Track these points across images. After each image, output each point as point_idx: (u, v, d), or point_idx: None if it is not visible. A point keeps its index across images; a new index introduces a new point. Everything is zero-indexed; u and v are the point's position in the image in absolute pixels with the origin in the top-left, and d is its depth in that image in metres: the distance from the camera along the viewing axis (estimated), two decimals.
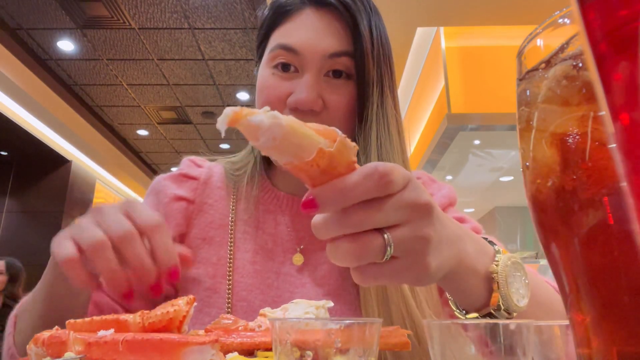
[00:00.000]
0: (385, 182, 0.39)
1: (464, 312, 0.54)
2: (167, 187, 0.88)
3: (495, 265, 0.51)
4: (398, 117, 0.81)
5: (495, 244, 0.55)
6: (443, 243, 0.45)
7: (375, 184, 0.39)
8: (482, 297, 0.51)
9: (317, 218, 0.41)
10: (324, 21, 0.77)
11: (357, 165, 0.40)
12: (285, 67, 0.77)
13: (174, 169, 0.95)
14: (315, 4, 0.78)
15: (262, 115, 0.35)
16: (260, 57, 0.84)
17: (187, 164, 0.94)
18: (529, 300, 0.53)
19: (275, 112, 0.35)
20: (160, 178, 0.92)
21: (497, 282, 0.50)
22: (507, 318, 0.50)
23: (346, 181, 0.39)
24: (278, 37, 0.79)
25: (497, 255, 0.52)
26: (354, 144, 0.39)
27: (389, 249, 0.40)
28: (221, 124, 0.35)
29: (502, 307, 0.50)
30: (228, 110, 0.35)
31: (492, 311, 0.51)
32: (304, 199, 0.39)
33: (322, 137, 0.37)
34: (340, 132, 0.38)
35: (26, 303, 0.72)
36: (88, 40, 5.10)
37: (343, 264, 0.41)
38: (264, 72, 0.80)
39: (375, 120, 0.77)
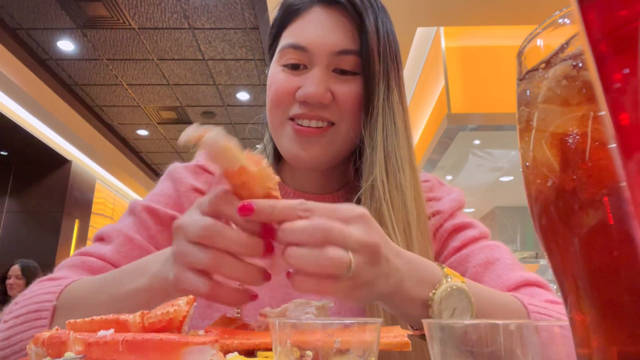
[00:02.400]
0: (304, 209, 0.51)
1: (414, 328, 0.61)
2: (185, 176, 0.89)
3: (432, 294, 0.57)
4: (405, 111, 0.82)
5: (444, 268, 0.61)
6: (373, 283, 0.54)
7: (295, 209, 0.51)
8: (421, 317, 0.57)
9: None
10: (332, 19, 0.79)
11: (277, 195, 0.52)
12: (295, 67, 0.79)
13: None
14: (323, 2, 0.80)
15: (212, 133, 0.47)
16: (271, 56, 0.86)
17: (204, 156, 0.95)
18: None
19: (219, 134, 0.47)
20: (177, 166, 0.92)
21: (432, 308, 0.57)
22: None
23: (278, 202, 0.51)
24: (288, 36, 0.81)
25: (440, 284, 0.59)
26: (276, 178, 0.52)
27: (352, 264, 0.49)
28: (185, 139, 0.47)
29: None
30: (195, 130, 0.47)
31: None
32: (241, 205, 0.51)
33: (249, 161, 0.49)
34: (265, 162, 0.50)
35: (78, 303, 0.65)
36: (88, 40, 5.11)
37: (306, 284, 0.50)
38: (274, 69, 0.82)
39: (382, 114, 0.78)
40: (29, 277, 4.37)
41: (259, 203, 0.51)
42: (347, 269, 0.49)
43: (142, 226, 0.83)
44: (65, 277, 0.72)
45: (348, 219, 0.52)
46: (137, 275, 0.62)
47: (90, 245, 0.83)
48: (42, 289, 0.68)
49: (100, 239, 0.83)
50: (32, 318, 0.65)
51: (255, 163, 0.49)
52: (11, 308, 0.68)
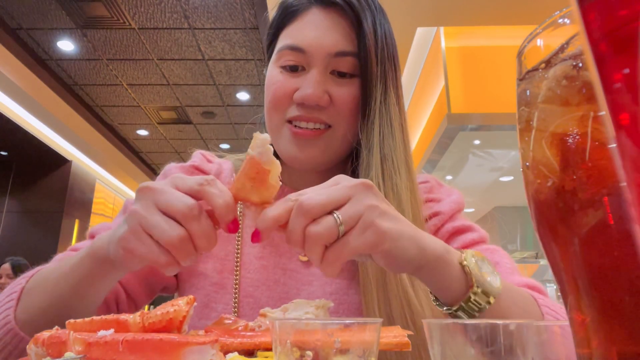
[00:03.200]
0: (295, 197, 0.53)
1: (444, 307, 0.60)
2: None
3: (464, 257, 0.59)
4: (402, 113, 0.82)
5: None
6: (396, 216, 0.55)
7: (288, 200, 0.53)
8: (460, 285, 0.58)
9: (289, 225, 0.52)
10: (330, 20, 0.79)
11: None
12: (293, 68, 0.80)
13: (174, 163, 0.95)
14: (321, 4, 0.80)
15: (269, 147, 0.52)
16: (269, 57, 0.86)
17: (200, 157, 0.95)
18: (505, 298, 0.58)
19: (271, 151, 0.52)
20: (173, 167, 0.93)
21: (469, 267, 0.57)
22: (487, 302, 0.57)
23: (270, 206, 0.53)
24: (285, 37, 0.81)
25: (462, 251, 0.60)
26: (273, 200, 0.54)
27: (341, 225, 0.51)
28: (256, 137, 0.52)
29: (480, 289, 0.57)
30: (267, 138, 0.52)
31: (472, 296, 0.57)
32: (252, 236, 0.54)
33: (275, 175, 0.53)
34: (280, 184, 0.54)
35: (40, 282, 0.69)
36: (88, 40, 5.10)
37: (314, 253, 0.52)
38: (272, 71, 0.82)
39: (378, 116, 0.78)
40: (20, 274, 4.36)
41: (261, 226, 0.53)
42: (336, 224, 0.51)
43: None
44: None
45: (333, 183, 0.55)
46: (84, 249, 0.64)
47: (82, 242, 0.84)
48: (21, 277, 0.72)
49: (91, 236, 0.84)
50: (6, 301, 0.68)
51: (277, 180, 0.53)
52: None
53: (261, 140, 0.51)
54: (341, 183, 0.55)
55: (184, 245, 0.52)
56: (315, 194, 0.52)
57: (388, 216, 0.54)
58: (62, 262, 0.68)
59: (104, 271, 0.62)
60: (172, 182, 0.55)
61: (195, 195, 0.53)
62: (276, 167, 0.52)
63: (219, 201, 0.52)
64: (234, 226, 0.54)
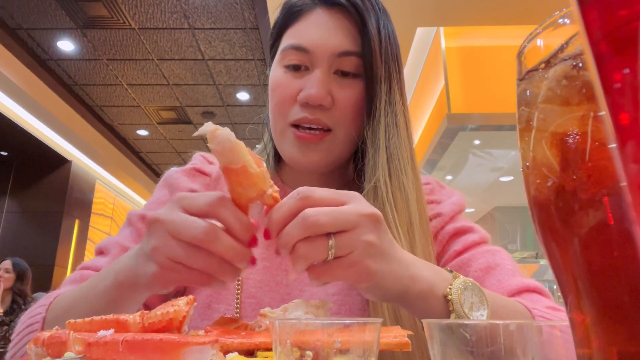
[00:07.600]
0: (303, 196, 0.52)
1: None
2: (181, 181, 0.89)
3: (449, 288, 0.58)
4: (406, 112, 0.82)
5: (452, 271, 0.62)
6: (390, 256, 0.55)
7: (295, 200, 0.52)
8: (443, 316, 0.57)
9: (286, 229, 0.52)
10: (334, 20, 0.79)
11: (273, 196, 0.53)
12: (296, 67, 0.79)
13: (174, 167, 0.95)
14: (325, 4, 0.80)
15: (224, 131, 0.49)
16: (272, 57, 0.86)
17: (200, 159, 0.95)
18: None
19: (230, 133, 0.49)
20: (173, 172, 0.92)
21: (452, 302, 0.57)
22: None
23: (276, 207, 0.53)
24: (289, 37, 0.81)
25: (454, 279, 0.59)
26: (274, 186, 0.53)
27: (331, 250, 0.51)
28: (201, 132, 0.49)
29: None
30: (210, 126, 0.49)
31: None
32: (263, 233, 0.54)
33: (252, 162, 0.50)
34: (265, 165, 0.52)
35: (63, 313, 0.66)
36: (88, 40, 5.10)
37: (300, 267, 0.52)
38: (276, 71, 0.81)
39: (384, 116, 0.78)
40: (18, 272, 4.44)
41: (271, 225, 0.53)
42: (326, 249, 0.51)
43: (139, 236, 0.83)
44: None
45: (343, 201, 0.54)
46: (105, 277, 0.63)
47: (90, 259, 0.83)
48: (37, 304, 0.70)
49: (99, 252, 0.83)
50: (27, 332, 0.67)
51: (257, 164, 0.51)
52: (17, 326, 0.70)
53: (220, 138, 0.48)
54: (353, 204, 0.54)
55: (219, 265, 0.52)
56: (321, 212, 0.51)
57: (381, 257, 0.53)
58: (82, 297, 0.66)
59: (130, 294, 0.61)
60: (180, 205, 0.54)
61: (207, 216, 0.53)
62: (243, 148, 0.49)
63: (235, 224, 0.52)
64: (254, 241, 0.54)
